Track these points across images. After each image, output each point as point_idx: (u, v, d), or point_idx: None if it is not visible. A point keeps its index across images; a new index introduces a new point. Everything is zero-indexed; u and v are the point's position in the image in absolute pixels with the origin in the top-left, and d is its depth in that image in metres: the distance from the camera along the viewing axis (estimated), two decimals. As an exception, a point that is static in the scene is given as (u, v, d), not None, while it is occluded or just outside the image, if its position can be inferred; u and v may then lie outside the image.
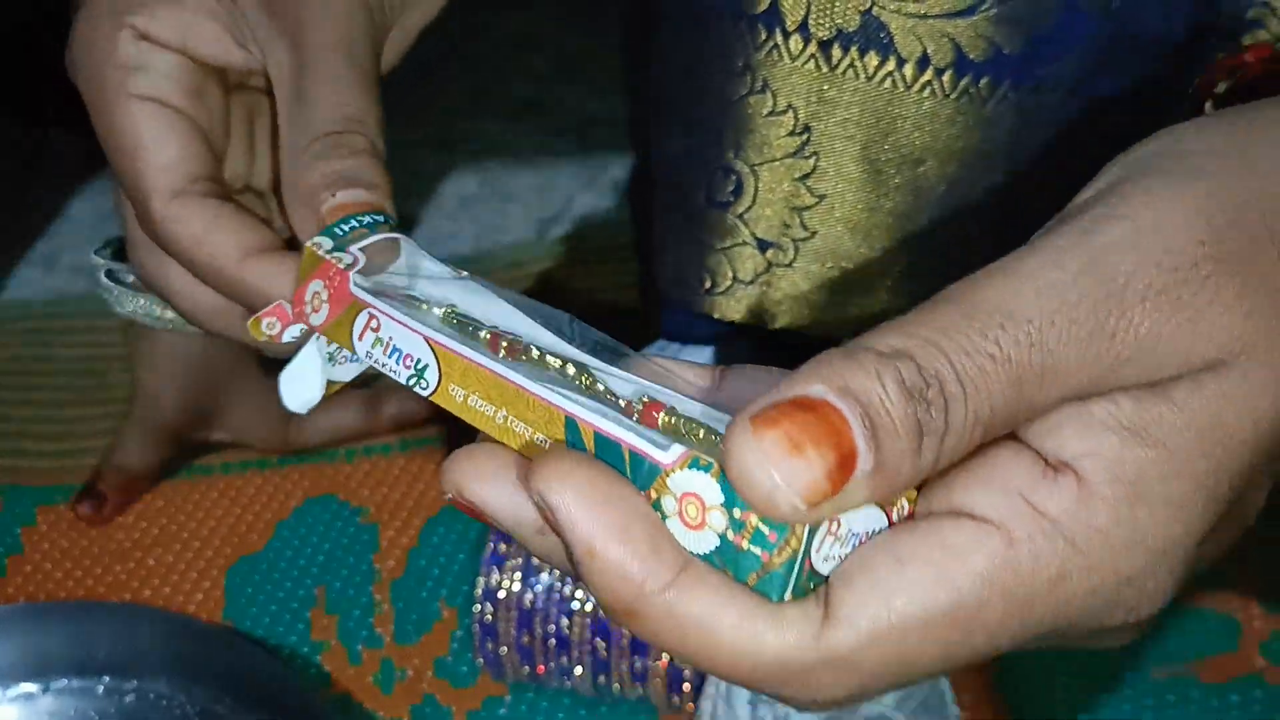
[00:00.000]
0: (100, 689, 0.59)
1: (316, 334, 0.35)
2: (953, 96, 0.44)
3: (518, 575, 0.55)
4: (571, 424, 0.27)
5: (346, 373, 0.36)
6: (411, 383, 0.32)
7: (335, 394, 0.37)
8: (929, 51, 0.43)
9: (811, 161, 0.46)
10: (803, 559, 0.25)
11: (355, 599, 0.63)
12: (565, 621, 0.54)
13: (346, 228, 0.36)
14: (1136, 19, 0.43)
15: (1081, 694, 0.56)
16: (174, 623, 0.59)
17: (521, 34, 1.10)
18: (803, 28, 0.43)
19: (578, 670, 0.55)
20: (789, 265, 0.48)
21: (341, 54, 0.38)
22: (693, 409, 0.28)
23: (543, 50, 1.08)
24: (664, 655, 0.54)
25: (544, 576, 0.55)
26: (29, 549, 0.67)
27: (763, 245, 0.48)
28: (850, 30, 0.43)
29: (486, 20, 1.12)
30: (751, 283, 0.48)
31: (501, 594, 0.55)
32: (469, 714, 0.57)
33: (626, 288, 0.80)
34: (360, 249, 0.35)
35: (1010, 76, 0.43)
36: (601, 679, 0.55)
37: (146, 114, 0.38)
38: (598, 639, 0.54)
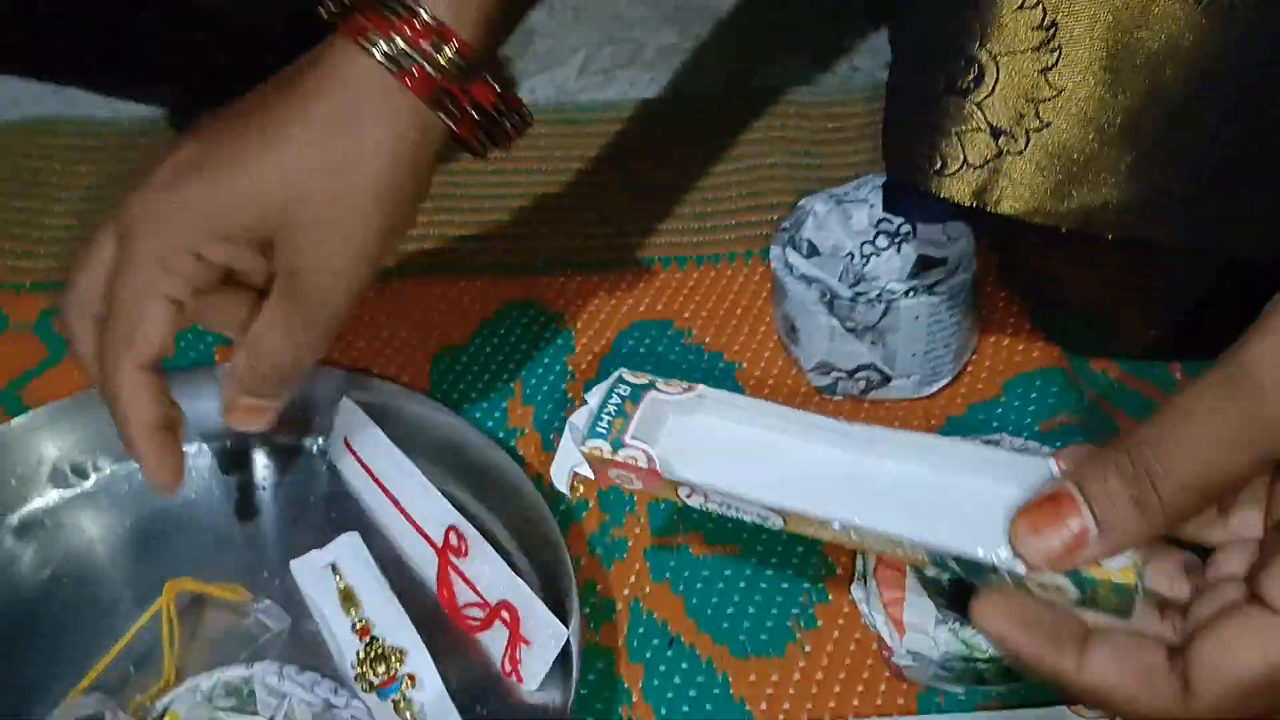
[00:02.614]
0: (314, 449, 0.65)
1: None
2: (1201, 2, 0.45)
3: None
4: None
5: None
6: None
7: None
8: None
9: (1054, 56, 0.47)
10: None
11: (550, 394, 0.68)
12: None
13: (606, 418, 0.46)
14: None
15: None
16: (377, 387, 0.65)
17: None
18: None
19: None
20: (1019, 153, 0.49)
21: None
22: None
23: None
24: None
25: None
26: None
27: (995, 133, 0.49)
28: None
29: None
30: (980, 167, 0.50)
31: None
32: (650, 504, 0.62)
33: (816, 144, 0.83)
34: (632, 439, 0.45)
35: None
36: None
37: (162, 309, 0.50)
38: None
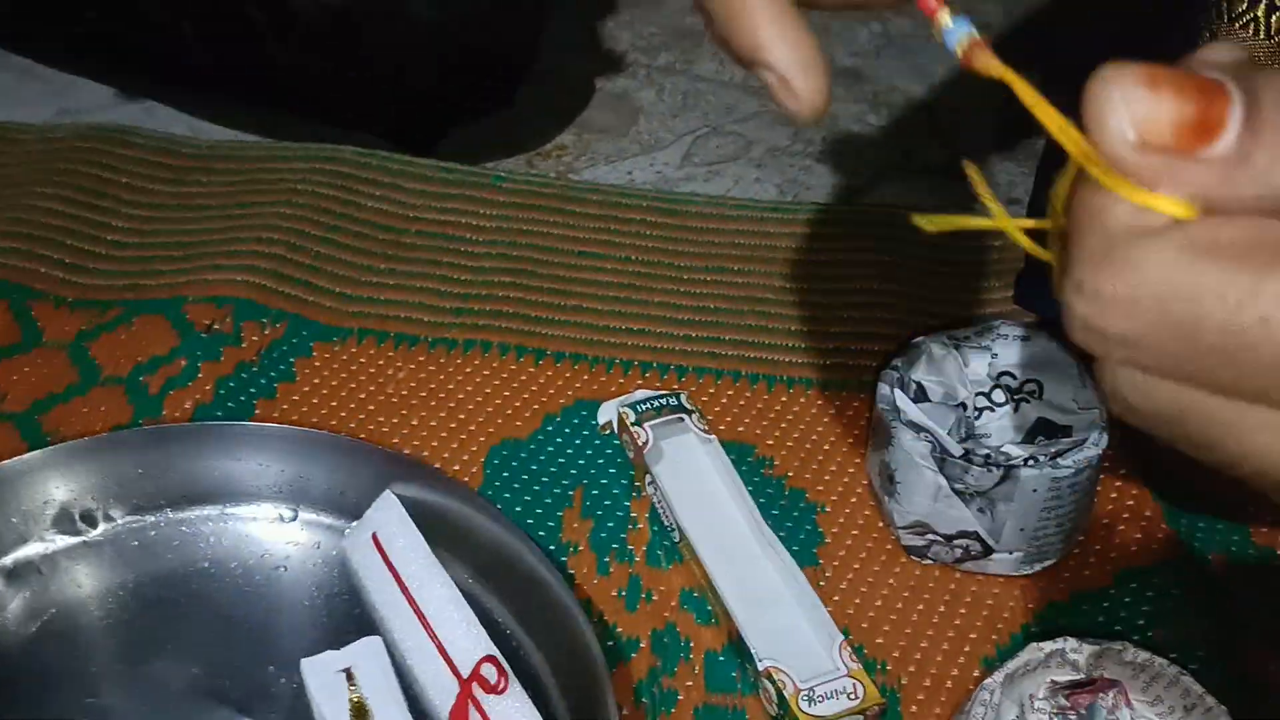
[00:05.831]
0: (346, 530, 0.58)
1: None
2: None
3: None
4: None
5: None
6: None
7: None
8: None
9: None
10: None
11: (611, 510, 0.61)
12: None
13: (649, 405, 0.64)
14: None
15: None
16: (425, 476, 0.58)
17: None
18: None
19: None
20: None
21: None
22: None
23: (869, 25, 1.06)
24: None
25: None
26: (300, 380, 0.67)
27: None
28: None
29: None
30: None
31: None
32: (707, 653, 0.55)
33: (932, 275, 0.76)
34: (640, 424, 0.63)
35: None
36: None
37: None
38: None
